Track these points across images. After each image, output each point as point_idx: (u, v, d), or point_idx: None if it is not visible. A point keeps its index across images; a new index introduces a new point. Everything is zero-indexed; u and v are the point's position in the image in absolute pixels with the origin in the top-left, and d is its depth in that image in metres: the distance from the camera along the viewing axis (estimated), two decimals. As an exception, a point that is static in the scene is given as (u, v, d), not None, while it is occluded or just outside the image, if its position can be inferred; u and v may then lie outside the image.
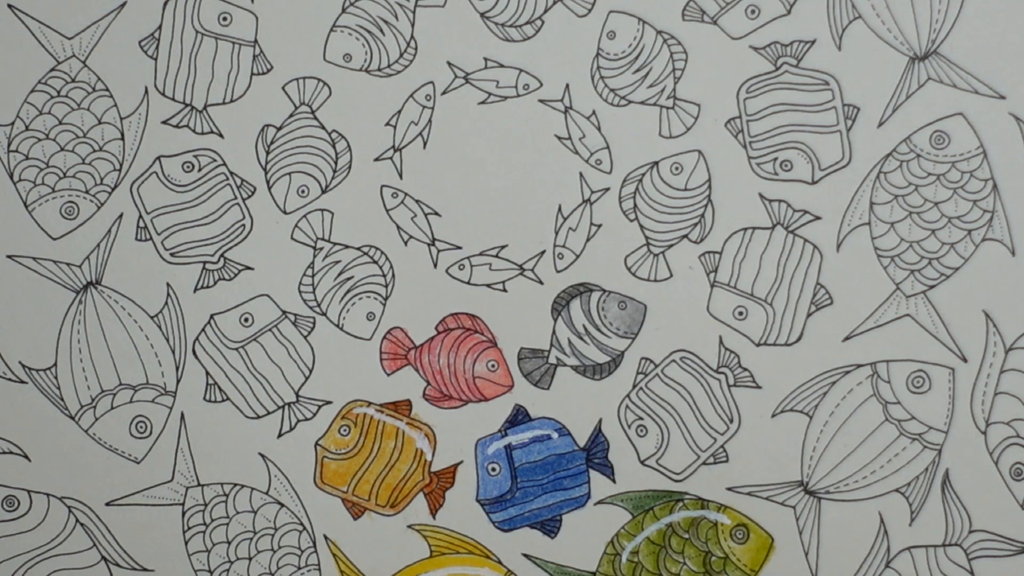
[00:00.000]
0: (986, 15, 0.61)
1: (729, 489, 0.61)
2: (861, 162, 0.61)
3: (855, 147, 0.61)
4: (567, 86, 0.62)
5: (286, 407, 0.63)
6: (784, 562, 0.61)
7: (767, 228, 0.61)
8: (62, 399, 0.63)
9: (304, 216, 0.63)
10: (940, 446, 0.61)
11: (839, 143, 0.61)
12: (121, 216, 0.64)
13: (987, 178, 0.60)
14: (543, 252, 0.62)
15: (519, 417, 0.62)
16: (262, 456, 0.63)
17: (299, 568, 0.63)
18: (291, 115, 0.64)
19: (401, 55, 0.63)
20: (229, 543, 0.63)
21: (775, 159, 0.61)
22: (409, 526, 0.62)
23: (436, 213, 0.63)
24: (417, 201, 0.63)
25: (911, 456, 0.61)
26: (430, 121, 0.63)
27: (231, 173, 0.64)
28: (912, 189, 0.61)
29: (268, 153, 0.64)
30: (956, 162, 0.60)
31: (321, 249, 0.63)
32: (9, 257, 0.64)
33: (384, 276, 0.63)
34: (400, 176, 0.63)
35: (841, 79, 0.61)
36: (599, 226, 0.62)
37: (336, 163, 0.63)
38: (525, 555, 0.62)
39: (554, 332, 0.62)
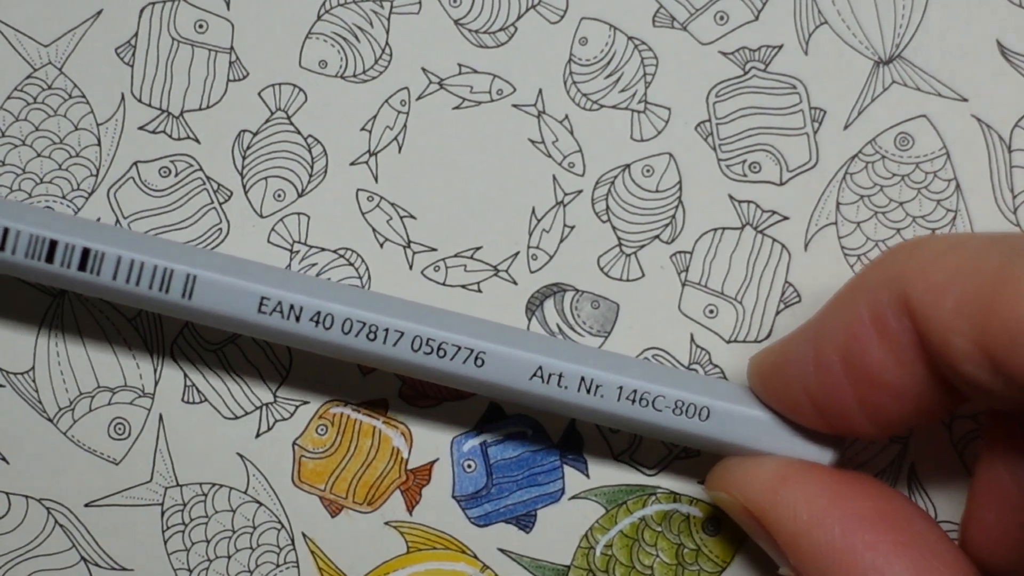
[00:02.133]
0: (948, 20, 0.62)
1: (701, 482, 0.62)
2: (828, 164, 0.62)
3: (822, 149, 0.62)
4: (540, 91, 0.63)
5: (264, 407, 0.63)
6: (755, 553, 0.62)
7: (736, 228, 0.62)
8: (40, 402, 0.63)
9: (281, 220, 0.63)
10: (906, 440, 0.61)
11: (806, 145, 0.62)
12: (98, 221, 0.64)
13: (950, 178, 0.61)
14: (517, 253, 0.63)
15: (494, 415, 0.62)
16: (240, 456, 0.63)
17: (278, 566, 0.63)
18: (267, 120, 0.64)
19: (376, 61, 0.64)
20: (208, 542, 0.63)
21: (744, 161, 0.62)
22: (386, 523, 0.63)
23: (411, 216, 0.63)
24: (392, 204, 0.63)
25: (878, 449, 0.61)
26: (405, 126, 0.63)
27: (208, 178, 0.64)
28: (877, 189, 0.61)
29: (244, 158, 0.64)
30: (920, 163, 0.61)
31: (298, 252, 0.63)
32: (-15, 263, 0.64)
33: (360, 278, 0.63)
34: (376, 180, 0.63)
35: (808, 83, 0.62)
36: (572, 227, 0.62)
37: (312, 168, 0.64)
38: (501, 549, 0.62)
39: (528, 331, 0.62)
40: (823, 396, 0.50)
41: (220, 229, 0.63)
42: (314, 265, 0.63)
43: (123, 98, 0.64)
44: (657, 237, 0.62)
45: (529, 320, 0.62)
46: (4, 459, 0.63)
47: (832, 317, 0.50)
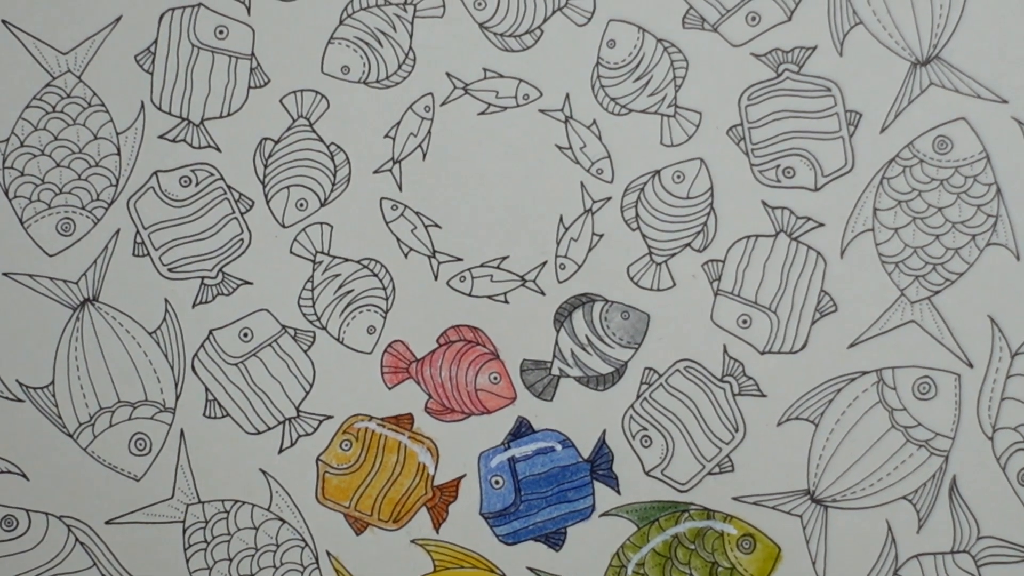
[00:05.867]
0: (987, 19, 0.61)
1: (735, 499, 0.61)
2: (864, 168, 0.61)
3: (858, 153, 0.61)
4: (567, 95, 0.62)
5: (287, 422, 0.63)
6: (791, 572, 0.61)
7: (770, 236, 0.61)
8: (60, 417, 0.63)
9: (303, 230, 0.63)
10: (947, 452, 0.60)
11: (842, 149, 0.61)
12: (118, 232, 0.63)
13: (991, 182, 0.60)
14: (545, 263, 0.62)
15: (522, 429, 0.62)
16: (263, 472, 0.63)
17: (302, 584, 0.63)
18: (289, 128, 0.63)
19: (400, 66, 0.63)
20: (231, 560, 0.63)
21: (777, 166, 0.61)
22: (412, 541, 0.62)
23: (436, 225, 0.62)
24: (417, 213, 0.62)
25: (918, 463, 0.60)
26: (429, 132, 0.63)
27: (229, 187, 0.63)
28: (915, 194, 0.60)
29: (266, 167, 0.63)
30: (959, 167, 0.60)
31: (320, 263, 0.63)
32: (5, 274, 0.63)
33: (384, 289, 0.62)
34: (400, 188, 0.63)
35: (843, 85, 0.61)
36: (601, 236, 0.62)
37: (335, 176, 0.63)
38: (530, 568, 0.62)
39: (557, 343, 0.62)
40: None
41: (242, 240, 0.63)
42: (337, 276, 0.62)
43: (143, 106, 0.64)
44: (688, 245, 0.61)
45: (557, 332, 0.62)
46: (24, 475, 0.63)
47: None
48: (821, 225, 0.61)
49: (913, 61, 0.61)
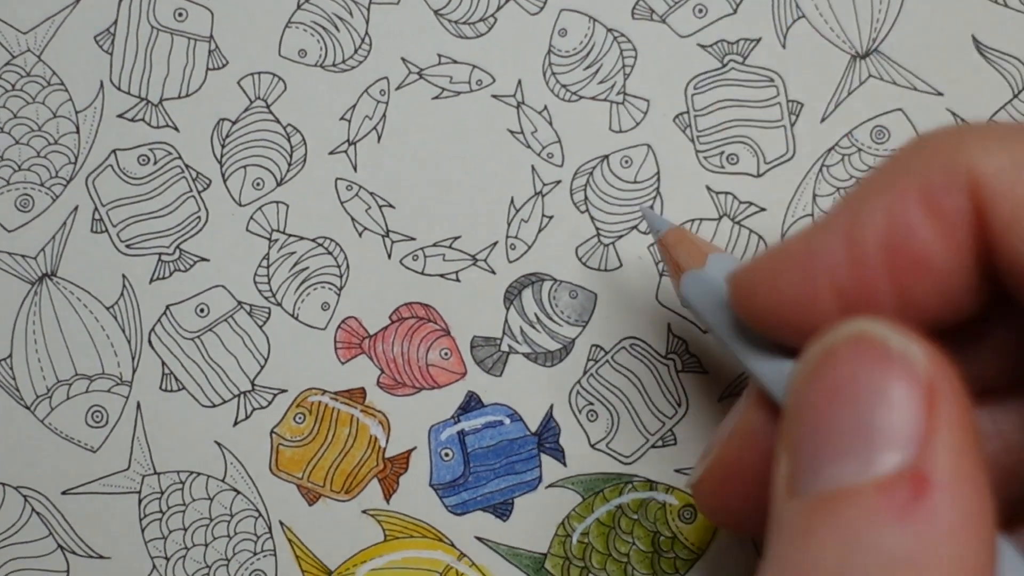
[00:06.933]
0: (925, 15, 0.62)
1: (677, 471, 0.62)
2: (804, 156, 0.62)
3: (799, 142, 0.62)
4: (519, 82, 0.63)
5: (242, 396, 0.63)
6: (729, 540, 0.62)
7: (714, 219, 0.62)
8: (17, 389, 0.63)
9: (259, 208, 0.64)
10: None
11: (783, 138, 0.62)
12: (76, 209, 0.64)
13: (926, 171, 0.62)
14: (496, 243, 0.63)
15: (472, 404, 0.63)
16: (218, 444, 0.63)
17: (255, 553, 0.63)
18: (246, 109, 0.64)
19: (356, 51, 0.64)
20: (186, 530, 0.63)
21: (722, 153, 0.62)
22: (364, 511, 0.63)
23: (390, 205, 0.63)
24: (371, 194, 0.63)
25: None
26: (384, 116, 0.63)
27: (186, 166, 0.64)
28: (854, 182, 0.62)
29: (223, 147, 0.64)
30: (896, 156, 0.62)
31: (276, 241, 0.63)
32: (-37, 250, 0.64)
33: (339, 267, 0.63)
34: (355, 169, 0.63)
35: (785, 76, 0.62)
36: (551, 217, 0.63)
37: (291, 156, 0.64)
38: (478, 538, 0.62)
39: (506, 321, 0.63)
40: (857, 289, 0.42)
41: (199, 217, 0.64)
42: (292, 254, 0.63)
43: (102, 86, 0.64)
44: (635, 228, 0.62)
45: (507, 309, 0.62)
46: (-19, 446, 0.63)
47: (869, 201, 0.42)
48: (763, 210, 0.62)
49: (853, 54, 0.62)
